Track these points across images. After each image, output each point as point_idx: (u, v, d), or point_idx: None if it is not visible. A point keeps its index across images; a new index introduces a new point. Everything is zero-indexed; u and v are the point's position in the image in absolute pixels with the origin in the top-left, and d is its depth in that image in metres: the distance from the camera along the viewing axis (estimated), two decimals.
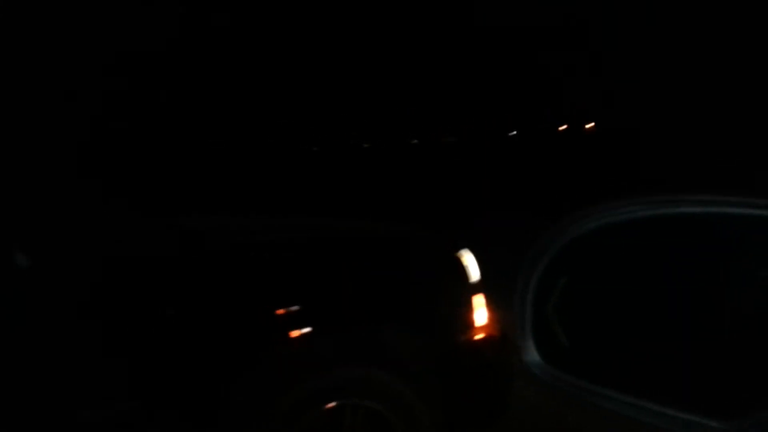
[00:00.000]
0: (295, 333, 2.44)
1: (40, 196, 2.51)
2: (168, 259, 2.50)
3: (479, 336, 2.73)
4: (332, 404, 2.43)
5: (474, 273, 2.77)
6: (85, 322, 2.28)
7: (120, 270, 2.39)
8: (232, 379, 2.34)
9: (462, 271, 2.75)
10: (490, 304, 2.78)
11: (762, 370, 0.77)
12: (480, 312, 2.75)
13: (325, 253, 2.71)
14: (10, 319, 2.20)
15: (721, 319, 0.80)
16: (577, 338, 0.93)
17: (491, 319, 2.77)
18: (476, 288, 2.77)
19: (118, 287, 2.36)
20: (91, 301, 2.31)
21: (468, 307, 2.72)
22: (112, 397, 2.25)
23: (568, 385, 0.92)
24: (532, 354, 0.93)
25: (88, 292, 2.32)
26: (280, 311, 2.46)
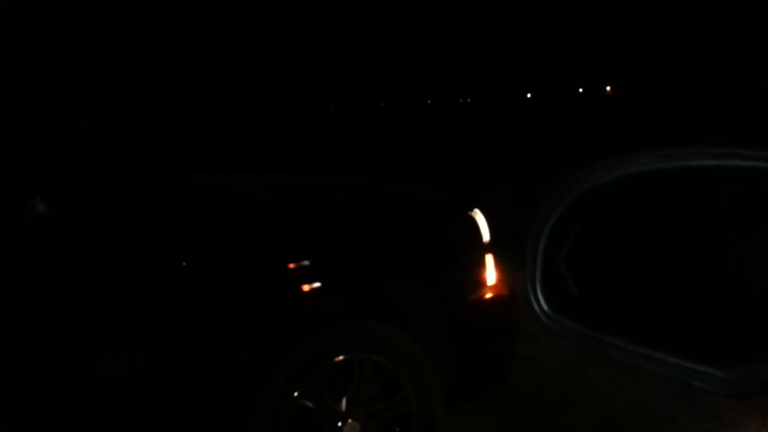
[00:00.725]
0: (306, 288, 2.44)
1: (58, 145, 2.52)
2: (182, 213, 2.51)
3: (489, 296, 2.75)
4: (341, 358, 2.43)
5: (485, 233, 2.79)
6: (100, 271, 2.31)
7: (135, 222, 2.41)
8: (244, 333, 2.31)
9: (474, 230, 2.75)
10: (500, 264, 2.80)
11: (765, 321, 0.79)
12: (490, 272, 2.77)
13: (340, 210, 2.72)
14: (26, 267, 2.23)
15: (729, 272, 0.81)
16: (586, 288, 0.94)
17: (500, 279, 2.79)
18: (487, 248, 2.79)
19: (133, 238, 2.38)
20: (107, 251, 2.33)
21: (479, 267, 2.72)
22: (126, 347, 2.24)
23: (576, 334, 0.93)
24: (540, 303, 0.94)
25: (104, 243, 2.34)
26: (292, 266, 2.48)
